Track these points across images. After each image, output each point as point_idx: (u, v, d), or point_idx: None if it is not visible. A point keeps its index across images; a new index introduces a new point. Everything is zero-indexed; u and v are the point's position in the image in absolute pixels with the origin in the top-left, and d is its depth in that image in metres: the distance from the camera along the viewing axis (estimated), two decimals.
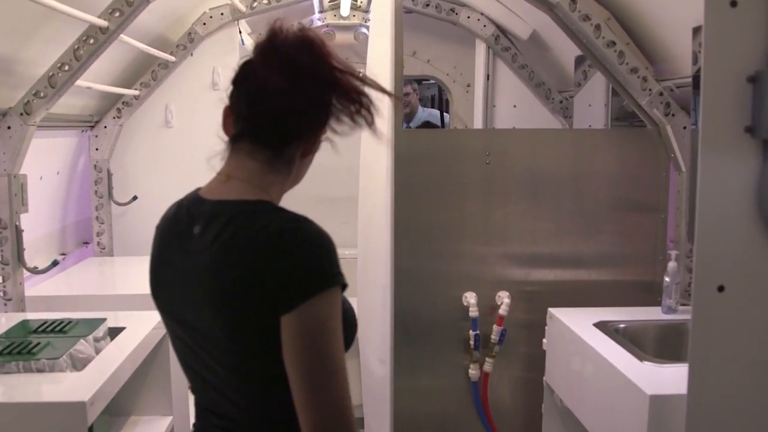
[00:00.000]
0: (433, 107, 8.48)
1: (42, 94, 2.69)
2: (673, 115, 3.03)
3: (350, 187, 5.39)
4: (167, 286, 1.44)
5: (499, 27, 4.25)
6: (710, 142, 1.48)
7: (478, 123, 4.47)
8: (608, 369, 2.25)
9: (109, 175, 3.85)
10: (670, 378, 2.12)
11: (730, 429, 1.56)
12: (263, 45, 1.34)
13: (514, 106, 4.42)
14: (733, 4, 1.45)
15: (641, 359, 2.26)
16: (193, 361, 1.38)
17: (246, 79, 1.37)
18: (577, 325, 2.63)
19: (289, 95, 1.32)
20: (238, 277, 1.25)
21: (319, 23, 4.98)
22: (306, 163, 1.46)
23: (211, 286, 1.29)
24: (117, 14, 2.68)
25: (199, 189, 1.47)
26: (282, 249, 1.24)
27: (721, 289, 1.51)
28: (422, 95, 7.64)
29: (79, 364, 2.14)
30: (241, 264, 1.25)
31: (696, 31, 2.65)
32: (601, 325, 2.61)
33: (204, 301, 1.30)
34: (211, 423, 1.39)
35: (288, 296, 1.21)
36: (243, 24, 4.16)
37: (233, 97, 1.40)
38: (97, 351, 2.27)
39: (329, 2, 4.80)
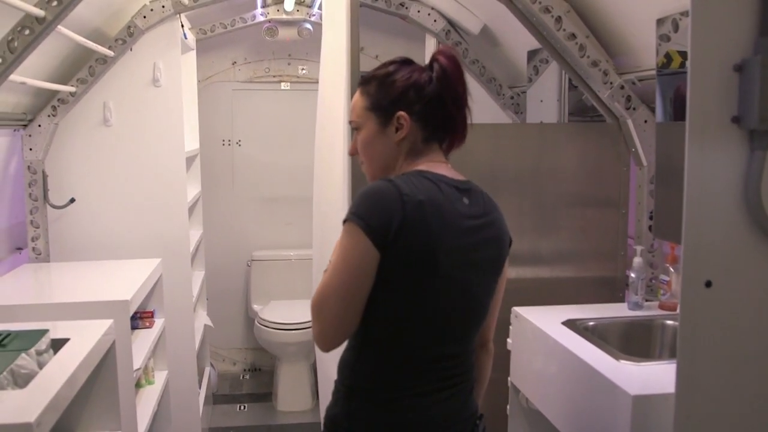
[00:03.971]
0: None
1: None
2: (634, 108, 2.99)
3: (296, 186, 5.35)
4: None
5: (449, 21, 4.18)
6: (697, 132, 1.43)
7: None
8: (584, 369, 2.19)
9: (44, 176, 3.65)
10: (650, 377, 2.07)
11: (719, 428, 1.51)
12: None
13: None
14: None
15: (617, 358, 2.20)
16: None
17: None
18: (546, 323, 2.57)
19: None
20: None
21: (262, 18, 4.85)
22: None
23: None
24: (55, 3, 2.52)
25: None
26: None
27: (708, 284, 1.47)
28: None
29: (21, 380, 1.96)
30: None
31: (660, 22, 2.61)
32: (570, 324, 2.55)
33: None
34: None
35: None
36: (184, 18, 3.99)
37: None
38: (40, 365, 2.09)
39: None
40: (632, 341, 2.65)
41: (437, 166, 1.75)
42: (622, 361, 2.18)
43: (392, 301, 1.66)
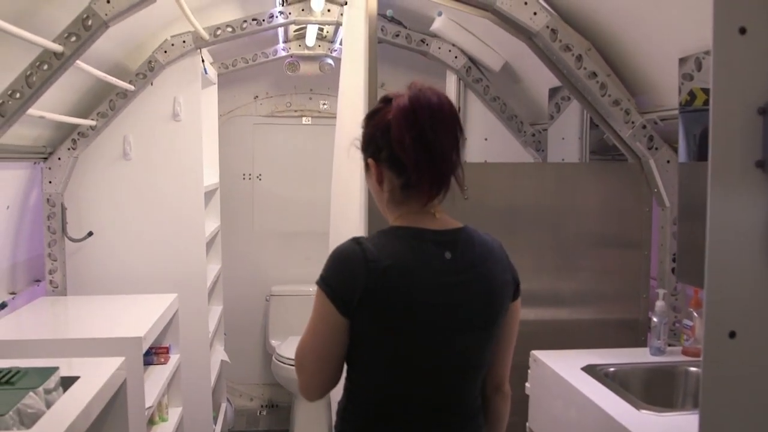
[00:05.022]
0: None
1: None
2: (656, 148, 2.94)
3: (316, 221, 5.32)
4: None
5: (470, 58, 4.17)
6: (720, 177, 1.37)
7: None
8: (604, 418, 2.12)
9: (63, 209, 3.65)
10: (672, 429, 2.01)
11: None
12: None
13: (486, 139, 4.33)
14: (743, 30, 1.35)
15: (638, 408, 2.13)
16: None
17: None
18: (564, 369, 2.50)
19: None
20: None
21: (284, 53, 4.86)
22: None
23: None
24: (73, 39, 2.52)
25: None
26: None
27: (732, 335, 1.40)
28: None
29: (27, 420, 1.93)
30: None
31: (682, 61, 2.57)
32: (590, 369, 2.49)
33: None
34: None
35: None
36: (205, 53, 4.01)
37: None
38: (48, 404, 2.06)
39: (294, 32, 4.69)
40: (654, 388, 2.58)
41: (419, 218, 1.64)
42: (644, 411, 2.11)
43: (370, 359, 1.64)
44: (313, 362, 1.64)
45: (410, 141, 1.56)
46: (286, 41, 4.83)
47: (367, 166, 1.68)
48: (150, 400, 2.97)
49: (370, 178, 1.70)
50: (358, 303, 1.56)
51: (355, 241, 1.60)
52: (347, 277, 1.57)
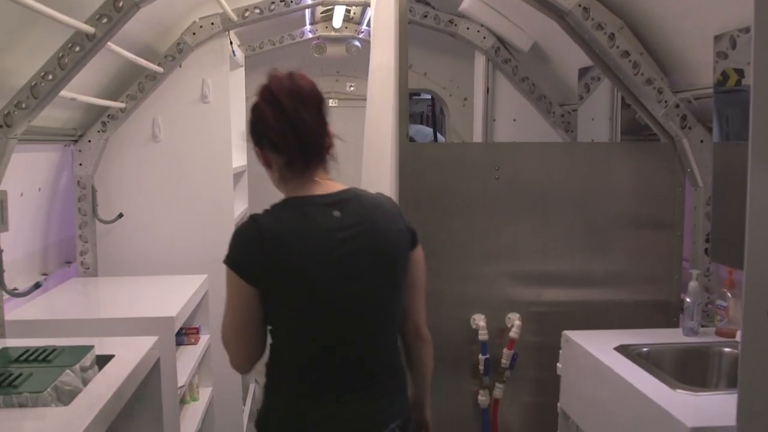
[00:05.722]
0: (422, 124, 8.35)
1: (24, 105, 2.52)
2: (690, 128, 2.90)
3: None
4: None
5: (499, 38, 4.13)
6: (760, 158, 1.35)
7: (477, 137, 4.35)
8: (638, 398, 2.10)
9: (94, 191, 3.68)
10: (708, 408, 1.99)
11: None
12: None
13: (514, 120, 4.30)
14: None
15: (673, 387, 2.11)
16: None
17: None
18: (597, 349, 2.49)
19: None
20: None
21: (311, 35, 4.85)
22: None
23: None
24: (105, 20, 2.53)
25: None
26: None
27: None
28: (411, 111, 7.53)
29: (65, 397, 1.95)
30: None
31: (717, 39, 2.53)
32: (623, 349, 2.47)
33: None
34: None
35: None
36: (232, 35, 4.01)
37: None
38: (85, 382, 2.08)
39: (321, 14, 4.68)
40: (688, 369, 2.56)
41: (305, 187, 1.83)
42: (679, 391, 2.09)
43: (281, 319, 1.81)
44: (235, 335, 1.84)
45: (274, 120, 1.76)
46: (312, 23, 4.82)
47: (256, 154, 1.86)
48: (182, 379, 3.00)
49: (260, 163, 1.87)
50: (260, 271, 1.74)
51: (251, 217, 1.79)
52: (247, 249, 1.76)
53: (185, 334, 3.44)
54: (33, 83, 2.52)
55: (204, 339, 3.54)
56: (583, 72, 3.84)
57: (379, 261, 1.81)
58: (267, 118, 1.77)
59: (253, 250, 1.74)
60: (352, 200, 1.84)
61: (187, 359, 3.28)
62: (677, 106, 2.88)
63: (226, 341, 1.87)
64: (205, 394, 3.57)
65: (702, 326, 2.73)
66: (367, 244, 1.79)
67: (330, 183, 1.86)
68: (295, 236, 1.75)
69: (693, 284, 2.69)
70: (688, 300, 2.69)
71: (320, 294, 1.76)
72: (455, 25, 4.12)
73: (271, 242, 1.73)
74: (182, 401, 3.28)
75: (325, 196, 1.82)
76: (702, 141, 2.91)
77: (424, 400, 2.08)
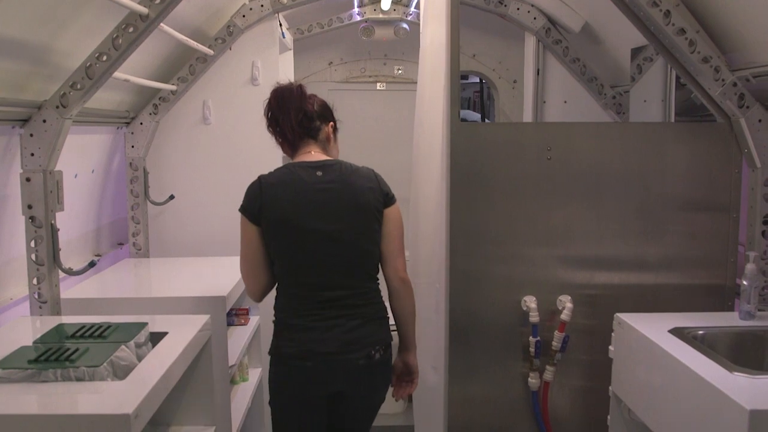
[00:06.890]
0: (470, 109, 8.28)
1: (79, 86, 2.55)
2: (747, 107, 2.83)
3: (391, 187, 5.26)
4: None
5: (549, 19, 4.07)
6: None
7: (527, 119, 4.29)
8: (694, 380, 2.06)
9: (145, 173, 3.73)
10: (767, 391, 1.94)
11: None
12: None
13: (565, 102, 4.23)
14: None
15: (731, 370, 2.06)
16: None
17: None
18: (651, 331, 2.44)
19: None
20: None
21: (359, 18, 4.84)
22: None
23: None
24: (158, 1, 2.54)
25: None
26: None
27: None
28: None
29: (120, 372, 1.98)
30: None
31: None
32: (678, 332, 2.42)
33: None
34: None
35: None
36: (281, 18, 4.01)
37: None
38: (139, 358, 2.11)
39: None
40: (744, 352, 2.50)
41: (300, 157, 2.48)
42: (736, 374, 2.05)
43: (278, 255, 2.40)
44: (247, 267, 2.45)
45: (268, 116, 2.50)
46: (361, 6, 4.80)
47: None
48: (232, 359, 3.02)
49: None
50: (259, 211, 2.36)
51: (258, 176, 2.41)
52: (251, 197, 2.39)
53: (235, 315, 3.46)
54: (88, 64, 2.55)
55: (254, 320, 3.57)
56: (635, 52, 3.77)
57: (349, 206, 2.39)
58: (265, 113, 2.49)
59: (254, 196, 2.38)
60: (334, 165, 2.45)
61: (238, 339, 3.31)
62: (735, 84, 2.80)
63: (242, 273, 2.48)
64: (254, 374, 3.60)
65: (759, 310, 2.66)
66: (339, 194, 2.39)
67: (321, 155, 2.49)
68: (285, 186, 2.38)
69: (750, 266, 2.63)
70: (745, 283, 2.62)
71: (300, 231, 2.35)
72: (505, 5, 4.07)
73: (266, 190, 2.37)
74: (232, 381, 3.31)
75: (313, 162, 2.44)
76: (760, 120, 2.84)
77: (410, 344, 2.58)
